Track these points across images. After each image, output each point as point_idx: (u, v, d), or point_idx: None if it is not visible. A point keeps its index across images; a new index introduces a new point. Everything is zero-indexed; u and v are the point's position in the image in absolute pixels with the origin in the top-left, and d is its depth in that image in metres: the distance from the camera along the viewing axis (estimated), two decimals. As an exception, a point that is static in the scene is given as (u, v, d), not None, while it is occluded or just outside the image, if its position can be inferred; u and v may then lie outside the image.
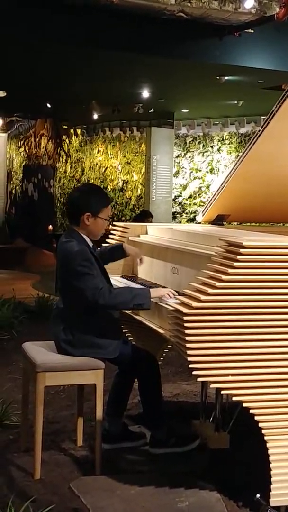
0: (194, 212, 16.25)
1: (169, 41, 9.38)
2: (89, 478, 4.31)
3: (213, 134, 16.44)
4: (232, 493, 4.09)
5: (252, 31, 9.45)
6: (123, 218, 17.41)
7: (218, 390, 4.31)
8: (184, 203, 16.75)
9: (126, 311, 4.81)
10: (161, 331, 4.18)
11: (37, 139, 17.73)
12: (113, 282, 4.86)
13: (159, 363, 4.99)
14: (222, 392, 4.07)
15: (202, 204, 15.88)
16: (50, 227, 19.52)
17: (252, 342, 3.64)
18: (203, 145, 16.59)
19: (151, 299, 4.29)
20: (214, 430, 4.59)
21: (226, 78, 10.96)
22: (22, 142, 18.59)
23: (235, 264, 3.58)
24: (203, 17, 8.98)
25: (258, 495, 3.84)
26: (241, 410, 3.88)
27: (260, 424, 3.71)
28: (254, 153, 5.04)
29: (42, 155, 18.06)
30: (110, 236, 5.59)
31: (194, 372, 3.60)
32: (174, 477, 4.29)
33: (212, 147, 16.45)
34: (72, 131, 18.71)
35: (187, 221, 16.32)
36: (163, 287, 4.65)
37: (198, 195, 16.55)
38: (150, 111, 15.13)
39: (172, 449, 4.65)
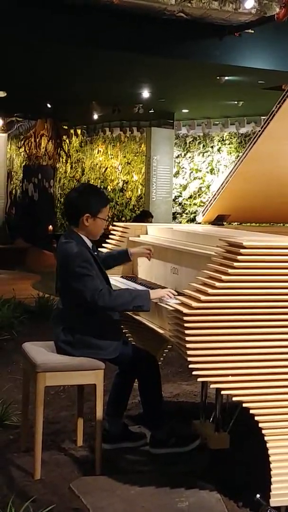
0: (194, 212, 16.25)
1: (169, 41, 9.38)
2: (89, 478, 4.31)
3: (213, 134, 16.44)
4: (232, 493, 4.09)
5: (252, 31, 9.44)
6: (123, 218, 17.41)
7: (218, 390, 4.31)
8: (184, 203, 16.75)
9: (127, 312, 4.81)
10: (161, 331, 4.18)
11: (37, 139, 17.73)
12: (113, 282, 4.86)
13: (159, 363, 4.99)
14: (222, 392, 4.07)
15: (202, 204, 15.88)
16: (50, 227, 19.52)
17: (252, 342, 3.64)
18: (203, 145, 16.59)
19: (151, 300, 4.29)
20: (214, 430, 4.59)
21: (226, 78, 10.96)
22: (22, 142, 18.58)
23: (235, 264, 3.59)
24: (203, 17, 8.98)
25: (258, 495, 3.84)
26: (241, 410, 3.88)
27: (260, 424, 3.71)
28: (254, 153, 5.04)
29: (42, 155, 18.06)
30: (110, 236, 5.59)
31: (194, 372, 3.60)
32: (174, 477, 4.29)
33: (212, 147, 16.45)
34: (72, 131, 18.71)
35: (187, 221, 16.32)
36: (163, 287, 4.65)
37: (198, 195, 16.54)
38: (150, 111, 15.12)
39: (172, 449, 4.65)
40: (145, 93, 13.22)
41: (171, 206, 15.80)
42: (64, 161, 19.46)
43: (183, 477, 4.29)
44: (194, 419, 4.91)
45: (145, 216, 12.82)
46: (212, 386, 3.76)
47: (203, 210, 5.74)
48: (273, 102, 4.79)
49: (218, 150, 16.32)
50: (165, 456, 4.61)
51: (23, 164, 21.73)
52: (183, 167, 16.86)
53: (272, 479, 3.70)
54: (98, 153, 19.16)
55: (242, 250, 3.60)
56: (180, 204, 16.78)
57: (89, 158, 19.57)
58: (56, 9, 8.59)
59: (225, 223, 5.63)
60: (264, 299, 3.64)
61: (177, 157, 16.72)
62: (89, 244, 4.56)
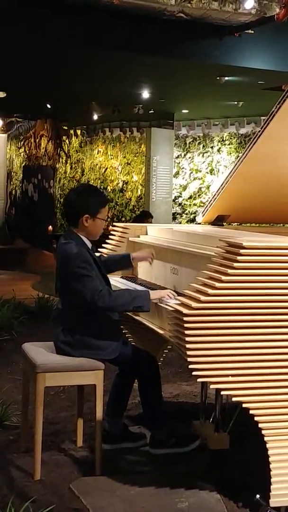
0: (194, 213, 16.25)
1: (169, 41, 9.38)
2: (89, 479, 4.31)
3: (213, 135, 16.44)
4: (232, 493, 4.09)
5: (252, 31, 9.45)
6: (123, 219, 17.41)
7: (218, 390, 4.31)
8: (184, 204, 16.75)
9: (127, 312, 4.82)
10: (161, 331, 4.18)
11: (37, 140, 17.75)
12: (113, 283, 4.86)
13: (159, 363, 4.99)
14: (222, 392, 4.07)
15: (202, 204, 15.88)
16: (50, 227, 19.52)
17: (252, 343, 3.64)
18: (203, 146, 16.59)
19: (151, 301, 4.29)
20: (214, 431, 4.59)
21: (226, 78, 10.96)
22: (22, 142, 18.60)
23: (235, 264, 3.59)
24: (203, 18, 8.98)
25: (258, 496, 3.84)
26: (241, 410, 3.88)
27: (260, 425, 3.71)
28: (254, 154, 5.04)
29: (42, 156, 18.08)
30: (110, 236, 5.59)
31: (194, 373, 3.60)
32: (174, 478, 4.29)
33: (212, 147, 16.44)
34: (72, 131, 18.72)
35: (187, 222, 16.32)
36: (163, 287, 4.65)
37: (198, 195, 16.54)
38: (150, 111, 15.13)
39: (172, 449, 4.65)
40: (145, 94, 13.22)
41: (171, 206, 15.80)
42: (64, 161, 19.47)
43: (183, 478, 4.29)
44: (194, 419, 4.91)
45: (145, 217, 12.82)
46: (212, 386, 3.76)
47: (203, 211, 5.74)
48: (273, 103, 4.79)
49: (218, 150, 16.31)
50: (165, 457, 4.61)
51: (23, 164, 21.73)
52: (183, 168, 16.86)
53: (272, 480, 3.70)
54: (98, 153, 19.16)
55: (242, 251, 3.60)
56: (180, 204, 16.77)
57: (89, 158, 19.58)
58: (56, 9, 8.59)
59: (225, 223, 5.63)
60: (264, 299, 3.64)
61: (177, 157, 16.72)
62: (89, 244, 4.56)
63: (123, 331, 5.23)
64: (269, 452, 3.71)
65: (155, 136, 15.39)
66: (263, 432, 3.72)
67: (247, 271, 3.61)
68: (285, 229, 6.22)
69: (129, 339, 5.39)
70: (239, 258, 3.59)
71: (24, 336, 7.77)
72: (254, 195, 5.49)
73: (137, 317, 4.65)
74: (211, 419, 4.74)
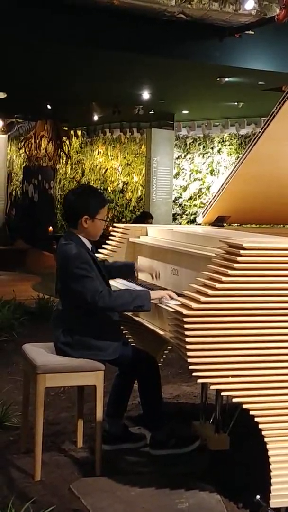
0: (194, 214, 16.25)
1: (170, 42, 9.39)
2: (89, 479, 4.31)
3: (213, 136, 16.44)
4: (232, 494, 4.09)
5: (253, 32, 9.46)
6: (123, 220, 17.41)
7: (218, 391, 4.30)
8: (184, 205, 16.75)
9: (127, 313, 4.81)
10: (161, 332, 4.18)
11: (37, 141, 17.76)
12: (112, 283, 4.86)
13: (159, 364, 4.99)
14: (222, 393, 4.06)
15: (202, 205, 15.88)
16: (50, 228, 19.52)
17: (252, 344, 3.64)
18: (203, 147, 16.59)
19: (151, 301, 4.29)
20: (214, 432, 4.59)
21: (227, 79, 10.97)
22: (22, 143, 18.61)
23: (235, 265, 3.59)
24: (204, 19, 8.99)
25: (258, 496, 3.84)
26: (241, 411, 3.88)
27: (260, 426, 3.71)
28: (254, 155, 5.04)
29: (42, 157, 18.09)
30: (110, 237, 5.58)
31: (194, 374, 3.60)
32: (174, 478, 4.29)
33: (212, 148, 16.45)
34: (72, 132, 18.73)
35: (187, 223, 16.32)
36: (163, 288, 4.65)
37: (198, 196, 16.54)
38: (150, 112, 15.13)
39: (172, 450, 4.65)
40: (145, 94, 13.23)
41: (171, 207, 15.80)
42: (64, 162, 19.48)
43: (183, 478, 4.29)
44: (194, 420, 4.90)
45: (145, 217, 12.82)
46: (212, 387, 3.76)
47: (203, 211, 5.74)
48: (273, 103, 4.79)
49: (218, 151, 16.32)
50: (165, 457, 4.61)
51: (23, 165, 21.74)
52: (183, 168, 16.87)
53: (272, 480, 3.70)
54: (98, 154, 19.17)
55: (242, 252, 3.60)
56: (180, 205, 16.78)
57: (89, 159, 19.58)
58: (56, 9, 8.60)
59: (225, 224, 5.63)
60: (264, 300, 3.64)
61: (177, 158, 16.72)
62: (89, 245, 4.57)
63: (123, 332, 5.22)
64: (269, 453, 3.71)
65: (155, 137, 15.40)
66: (263, 433, 3.71)
67: (247, 272, 3.61)
68: (285, 230, 6.22)
69: (129, 340, 5.39)
70: (239, 259, 3.59)
71: (25, 337, 7.76)
72: (254, 196, 5.49)
73: (137, 318, 4.65)
74: (211, 420, 4.73)
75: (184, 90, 12.74)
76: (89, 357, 4.39)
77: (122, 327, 5.00)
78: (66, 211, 4.70)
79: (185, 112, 15.37)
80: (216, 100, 13.50)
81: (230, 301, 3.59)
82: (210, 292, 3.57)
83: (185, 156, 16.87)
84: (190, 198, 16.68)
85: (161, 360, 5.53)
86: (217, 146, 16.34)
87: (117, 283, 5.05)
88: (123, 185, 18.04)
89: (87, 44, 9.23)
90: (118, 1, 8.38)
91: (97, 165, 19.21)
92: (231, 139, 16.09)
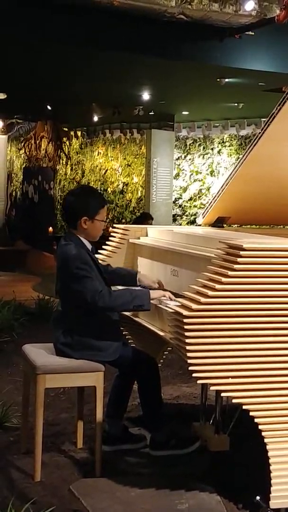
0: (194, 215, 16.24)
1: (170, 42, 9.38)
2: (89, 480, 4.31)
3: (213, 136, 16.43)
4: (232, 495, 4.09)
5: (253, 33, 9.45)
6: (123, 220, 17.40)
7: (218, 392, 4.30)
8: (184, 205, 16.74)
9: (126, 313, 4.81)
10: (161, 333, 4.18)
11: (38, 141, 17.74)
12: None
13: (159, 365, 4.99)
14: (222, 394, 4.06)
15: (202, 206, 15.88)
16: (51, 229, 19.52)
17: (252, 345, 3.64)
18: (204, 147, 16.59)
19: (151, 301, 4.30)
20: (214, 432, 4.59)
21: (227, 80, 10.96)
22: (22, 144, 18.59)
23: (235, 266, 3.59)
24: (204, 19, 8.98)
25: (258, 497, 3.84)
26: (241, 412, 3.88)
27: (260, 426, 3.71)
28: (255, 156, 5.04)
29: (42, 157, 18.07)
30: (110, 238, 5.58)
31: (194, 374, 3.61)
32: (174, 479, 4.29)
33: (212, 149, 16.44)
34: (72, 133, 18.72)
35: (187, 224, 16.31)
36: (163, 290, 4.65)
37: (198, 197, 16.54)
38: (150, 113, 15.13)
39: (172, 451, 4.65)
40: (145, 95, 13.22)
41: (171, 208, 15.79)
42: (64, 163, 19.46)
43: (183, 479, 4.29)
44: (194, 421, 4.90)
45: (145, 218, 12.80)
46: (212, 388, 3.76)
47: (203, 212, 5.74)
48: (273, 104, 4.79)
49: (218, 152, 16.31)
50: (165, 458, 4.61)
51: (23, 166, 21.73)
52: (183, 169, 16.86)
53: (272, 481, 3.71)
54: (98, 155, 19.16)
55: (242, 252, 3.60)
56: (180, 206, 16.77)
57: (89, 160, 19.57)
58: (56, 9, 8.59)
59: (225, 225, 5.63)
60: (264, 301, 3.65)
61: (177, 159, 16.72)
62: (89, 246, 4.57)
63: (123, 333, 5.22)
64: (269, 453, 3.72)
65: (156, 138, 15.39)
66: (263, 434, 3.72)
67: (247, 272, 3.61)
68: (285, 230, 6.22)
69: (129, 341, 5.39)
70: (239, 259, 3.59)
71: (25, 337, 7.76)
72: (254, 197, 5.49)
73: (137, 319, 4.65)
74: (211, 421, 4.74)
75: (184, 91, 12.73)
76: (89, 357, 4.39)
77: (121, 328, 5.00)
78: (65, 212, 4.70)
79: (185, 113, 15.37)
80: (216, 101, 13.50)
81: (230, 302, 3.60)
82: (210, 293, 3.57)
83: (185, 157, 16.87)
84: (190, 199, 16.68)
85: (161, 361, 5.53)
86: (217, 147, 16.34)
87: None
88: (123, 186, 18.03)
89: (87, 44, 9.22)
90: (118, 2, 8.38)
91: (97, 166, 19.20)
92: (231, 140, 16.09)
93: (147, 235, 5.45)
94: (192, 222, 16.08)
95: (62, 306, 4.60)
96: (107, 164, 18.76)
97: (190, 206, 16.66)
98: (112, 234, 5.61)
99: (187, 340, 3.55)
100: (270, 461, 3.71)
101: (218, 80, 10.93)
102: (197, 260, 4.25)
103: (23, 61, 10.68)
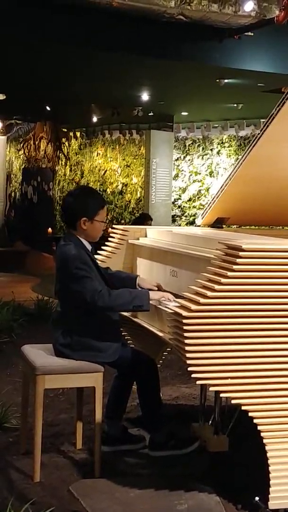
0: (194, 215, 16.25)
1: (169, 43, 9.39)
2: (88, 481, 4.31)
3: (212, 137, 16.44)
4: (231, 495, 4.09)
5: (252, 34, 9.46)
6: (123, 221, 17.40)
7: (217, 393, 4.30)
8: (184, 206, 16.75)
9: (126, 314, 4.81)
10: (160, 334, 4.18)
11: (37, 142, 17.74)
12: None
13: (158, 366, 4.99)
14: (221, 395, 4.06)
15: (201, 207, 15.88)
16: (50, 230, 19.51)
17: (251, 345, 3.64)
18: (203, 148, 16.59)
19: (151, 301, 4.30)
20: (213, 433, 4.59)
21: (226, 81, 10.97)
22: (21, 145, 18.59)
23: (235, 267, 3.59)
24: (203, 20, 8.99)
25: (257, 498, 3.84)
26: (240, 413, 3.88)
27: (259, 427, 3.71)
28: (254, 156, 5.04)
29: (41, 158, 18.07)
30: (109, 239, 5.58)
31: (193, 375, 3.61)
32: (174, 480, 4.28)
33: (211, 150, 16.44)
34: (71, 134, 18.73)
35: (186, 224, 16.31)
36: (163, 290, 4.65)
37: (198, 198, 16.54)
38: (149, 114, 15.13)
39: (171, 451, 4.65)
40: (145, 96, 13.23)
41: (170, 209, 15.80)
42: (63, 163, 19.47)
43: (182, 480, 4.29)
44: (193, 421, 4.90)
45: (144, 219, 12.81)
46: (211, 388, 3.76)
47: (203, 213, 5.74)
48: (272, 105, 4.79)
49: (218, 153, 16.32)
50: (164, 459, 4.61)
51: (22, 166, 21.72)
52: (182, 170, 16.86)
53: (271, 482, 3.71)
54: (97, 155, 19.16)
55: (241, 253, 3.60)
56: (179, 207, 16.78)
57: (88, 160, 19.57)
58: (56, 9, 8.60)
59: (224, 226, 5.63)
60: (264, 302, 3.65)
61: (177, 159, 16.72)
62: (88, 247, 4.56)
63: (122, 333, 5.22)
64: (268, 454, 3.72)
65: (155, 139, 15.39)
66: (262, 434, 3.72)
67: (246, 273, 3.61)
68: (285, 231, 6.21)
69: (128, 342, 5.39)
70: (238, 260, 3.59)
71: (24, 338, 7.75)
72: (253, 198, 5.49)
73: (136, 319, 4.65)
74: (210, 422, 4.73)
75: (184, 92, 12.74)
76: (88, 358, 4.39)
77: (121, 329, 5.00)
78: (65, 213, 4.69)
79: (184, 113, 15.37)
80: (216, 102, 13.50)
81: (229, 302, 3.60)
82: (209, 293, 3.57)
83: (184, 157, 16.87)
84: (189, 200, 16.68)
85: (160, 361, 5.53)
86: (217, 147, 16.34)
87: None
88: (122, 187, 18.03)
89: (87, 44, 9.23)
90: (117, 2, 8.38)
91: (96, 167, 19.20)
92: (230, 140, 16.09)
93: (146, 236, 5.45)
94: (191, 223, 16.08)
95: (61, 307, 4.60)
96: (106, 164, 18.76)
97: (189, 207, 16.66)
98: (111, 234, 5.61)
99: (186, 341, 3.56)
100: (269, 461, 3.71)
101: (217, 80, 10.94)
102: (196, 261, 4.25)
103: (23, 61, 10.69)
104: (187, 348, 3.56)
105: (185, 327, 3.55)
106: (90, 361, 4.39)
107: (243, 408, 3.69)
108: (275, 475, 3.71)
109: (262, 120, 14.07)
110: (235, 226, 5.88)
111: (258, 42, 9.73)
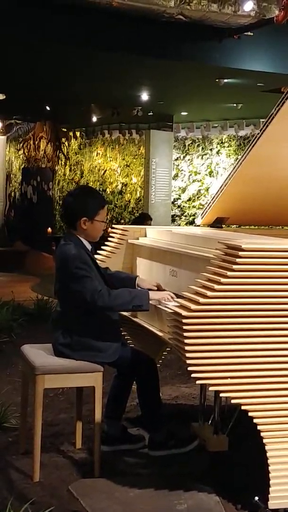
0: (193, 215, 16.25)
1: (169, 43, 9.39)
2: (88, 481, 4.31)
3: (212, 137, 16.44)
4: (231, 495, 4.09)
5: (251, 33, 9.46)
6: (122, 221, 17.40)
7: (216, 392, 4.30)
8: (183, 206, 16.75)
9: (126, 313, 4.81)
10: (160, 334, 4.18)
11: (36, 142, 17.74)
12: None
13: (158, 365, 4.99)
14: (221, 394, 4.07)
15: (201, 207, 15.88)
16: (49, 229, 19.51)
17: (251, 345, 3.64)
18: (202, 148, 16.59)
19: (150, 301, 4.30)
20: (213, 433, 4.59)
21: (226, 80, 10.98)
22: (21, 144, 18.59)
23: (234, 267, 3.59)
24: (203, 20, 8.99)
25: (256, 498, 3.84)
26: (240, 412, 3.88)
27: (259, 427, 3.71)
28: (253, 156, 5.04)
29: (41, 158, 18.06)
30: (109, 238, 5.58)
31: (193, 375, 3.61)
32: (173, 480, 4.28)
33: (211, 150, 16.45)
34: (71, 133, 18.73)
35: (186, 224, 16.32)
36: (162, 290, 4.65)
37: (197, 198, 16.54)
38: (149, 113, 15.13)
39: (171, 451, 4.65)
40: (144, 96, 13.23)
41: (170, 208, 15.80)
42: (63, 163, 19.46)
43: (182, 479, 4.28)
44: (193, 421, 4.90)
45: (144, 219, 12.81)
46: (210, 388, 3.76)
47: (202, 213, 5.74)
48: (272, 105, 4.79)
49: (217, 152, 16.32)
50: (163, 458, 4.61)
51: (22, 166, 21.72)
52: (182, 170, 16.86)
53: (271, 482, 3.71)
54: (97, 155, 19.16)
55: (241, 253, 3.60)
56: (179, 206, 16.78)
57: (88, 160, 19.57)
58: (56, 9, 8.60)
59: (224, 225, 5.63)
60: (263, 301, 3.65)
61: (176, 159, 16.72)
62: (88, 246, 4.56)
63: (122, 333, 5.22)
64: (268, 454, 3.72)
65: (154, 138, 15.40)
66: (262, 434, 3.72)
67: (246, 273, 3.61)
68: (284, 231, 6.21)
69: (128, 341, 5.39)
70: (238, 260, 3.59)
71: (23, 338, 7.75)
72: (253, 198, 5.49)
73: (136, 319, 4.65)
74: (210, 421, 4.73)
75: (183, 91, 12.74)
76: (88, 358, 4.39)
77: (121, 328, 5.00)
78: (65, 213, 4.69)
79: (184, 113, 15.37)
80: (215, 102, 13.51)
81: (229, 302, 3.60)
82: (208, 293, 3.57)
83: (184, 157, 16.87)
84: (189, 200, 16.68)
85: (160, 361, 5.53)
86: (216, 147, 16.34)
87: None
88: (122, 187, 18.04)
89: (87, 44, 9.23)
90: (117, 2, 8.38)
91: (96, 167, 19.20)
92: (230, 140, 16.09)
93: (146, 236, 5.45)
94: (191, 223, 16.08)
95: (61, 307, 4.60)
96: (106, 164, 18.76)
97: (189, 207, 16.67)
98: (111, 234, 5.61)
99: (186, 341, 3.56)
100: (269, 461, 3.71)
101: (217, 80, 10.94)
102: (196, 261, 4.25)
103: (23, 61, 10.69)
104: (186, 347, 3.56)
105: (184, 327, 3.55)
106: (90, 361, 4.39)
107: (243, 407, 3.69)
108: (275, 475, 3.71)
109: (261, 120, 14.08)
110: (234, 226, 5.88)
111: (257, 42, 9.73)
